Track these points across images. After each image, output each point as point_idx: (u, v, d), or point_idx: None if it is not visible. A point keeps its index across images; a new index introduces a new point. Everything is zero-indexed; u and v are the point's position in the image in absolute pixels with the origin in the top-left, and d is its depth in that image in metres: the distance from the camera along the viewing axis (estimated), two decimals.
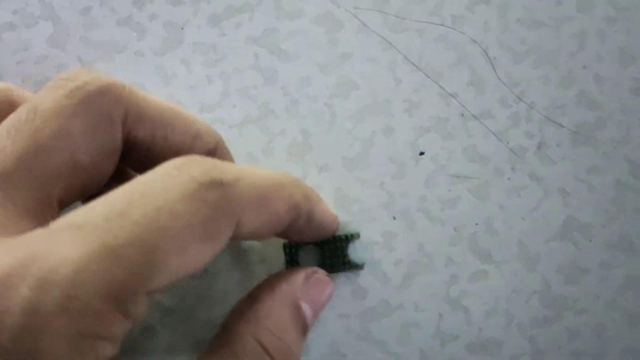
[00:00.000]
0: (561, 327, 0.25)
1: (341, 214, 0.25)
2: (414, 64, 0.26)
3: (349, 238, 0.24)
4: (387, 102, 0.26)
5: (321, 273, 0.22)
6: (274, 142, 0.25)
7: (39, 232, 0.15)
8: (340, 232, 0.24)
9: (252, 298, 0.20)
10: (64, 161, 0.17)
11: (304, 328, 0.20)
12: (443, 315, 0.25)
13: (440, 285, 0.25)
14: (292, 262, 0.24)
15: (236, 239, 0.17)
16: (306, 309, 0.20)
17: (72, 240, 0.14)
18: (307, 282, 0.21)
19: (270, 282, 0.21)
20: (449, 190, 0.25)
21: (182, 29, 0.26)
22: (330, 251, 0.24)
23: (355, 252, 0.25)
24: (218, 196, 0.15)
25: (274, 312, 0.20)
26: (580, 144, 0.25)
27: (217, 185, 0.15)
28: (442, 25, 0.26)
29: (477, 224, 0.25)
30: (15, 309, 0.13)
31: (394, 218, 0.25)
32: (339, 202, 0.25)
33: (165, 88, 0.25)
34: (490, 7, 0.26)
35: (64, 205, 0.18)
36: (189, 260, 0.15)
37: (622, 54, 0.26)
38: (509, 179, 0.25)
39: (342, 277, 0.25)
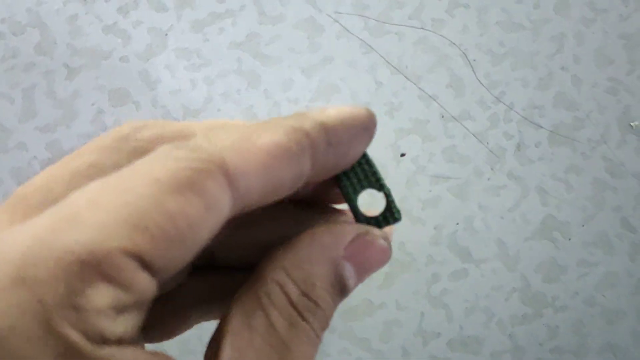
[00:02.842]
0: (541, 324, 0.25)
1: None
2: (394, 67, 0.26)
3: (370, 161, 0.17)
4: (368, 104, 0.26)
5: (377, 234, 0.18)
6: None
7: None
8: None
9: (291, 246, 0.18)
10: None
11: (340, 290, 0.17)
12: (425, 313, 0.25)
13: (421, 283, 0.25)
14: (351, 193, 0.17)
15: (245, 206, 0.14)
16: (348, 270, 0.17)
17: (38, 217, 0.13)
18: (358, 241, 0.17)
19: (314, 232, 0.18)
20: (430, 191, 0.26)
21: (166, 34, 0.26)
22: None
23: None
24: (186, 148, 0.14)
25: (307, 264, 0.17)
26: (558, 143, 0.26)
27: (182, 145, 0.14)
28: (421, 28, 0.27)
29: (457, 223, 0.25)
30: None
31: None
32: None
33: (150, 93, 0.26)
34: (469, 10, 0.27)
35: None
36: (177, 218, 0.13)
37: (599, 55, 0.26)
38: (488, 179, 0.26)
39: None
